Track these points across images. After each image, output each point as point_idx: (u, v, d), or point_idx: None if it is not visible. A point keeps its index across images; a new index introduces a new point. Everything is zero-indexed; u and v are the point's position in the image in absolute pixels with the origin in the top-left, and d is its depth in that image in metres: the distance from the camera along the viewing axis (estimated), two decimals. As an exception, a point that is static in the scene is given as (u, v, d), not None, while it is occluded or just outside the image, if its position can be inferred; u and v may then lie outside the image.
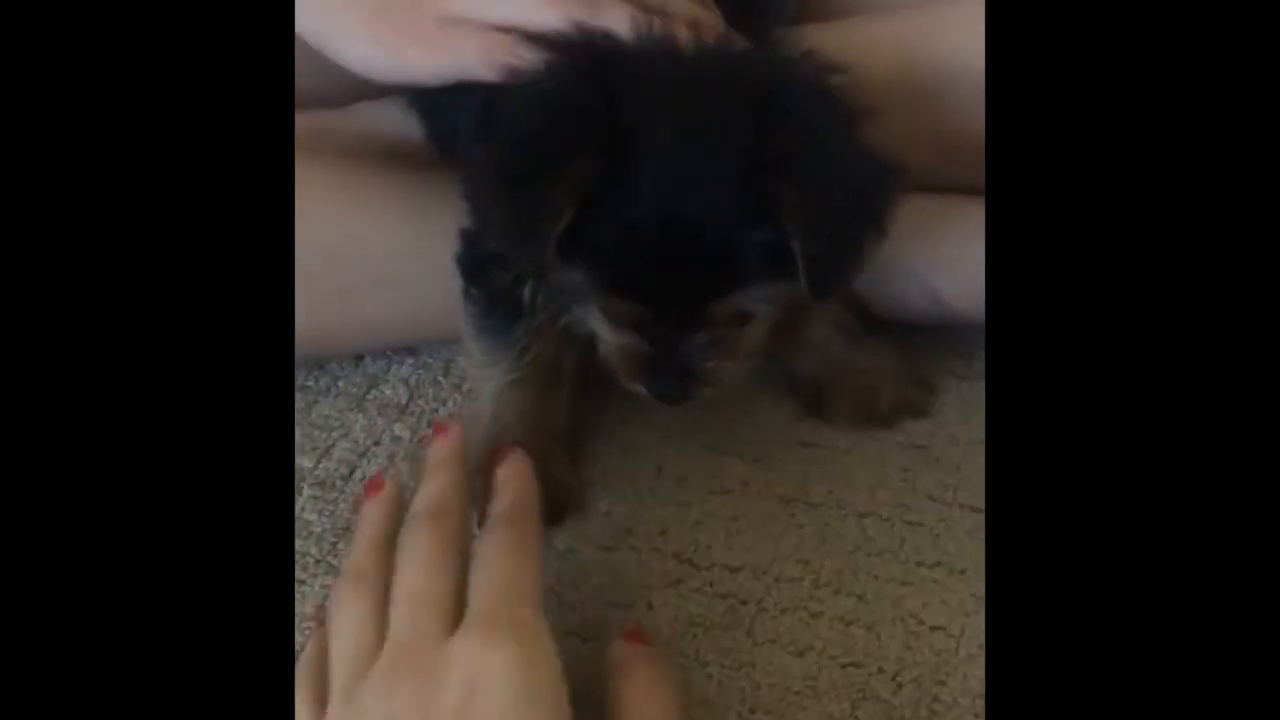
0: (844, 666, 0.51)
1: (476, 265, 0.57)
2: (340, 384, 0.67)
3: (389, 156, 0.69)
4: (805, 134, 0.47)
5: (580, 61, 0.49)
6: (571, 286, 0.50)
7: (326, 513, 0.60)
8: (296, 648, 0.52)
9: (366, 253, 0.64)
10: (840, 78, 0.50)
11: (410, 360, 0.68)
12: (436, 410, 0.65)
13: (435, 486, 0.50)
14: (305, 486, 0.61)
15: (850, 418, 0.62)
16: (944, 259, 0.63)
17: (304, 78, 0.69)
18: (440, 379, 0.67)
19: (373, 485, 0.53)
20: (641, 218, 0.46)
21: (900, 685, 0.50)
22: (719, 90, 0.47)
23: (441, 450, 0.52)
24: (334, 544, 0.58)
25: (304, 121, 0.68)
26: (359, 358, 0.69)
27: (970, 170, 0.60)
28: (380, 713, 0.42)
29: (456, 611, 0.44)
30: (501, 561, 0.46)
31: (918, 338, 0.65)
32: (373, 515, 0.51)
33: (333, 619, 0.46)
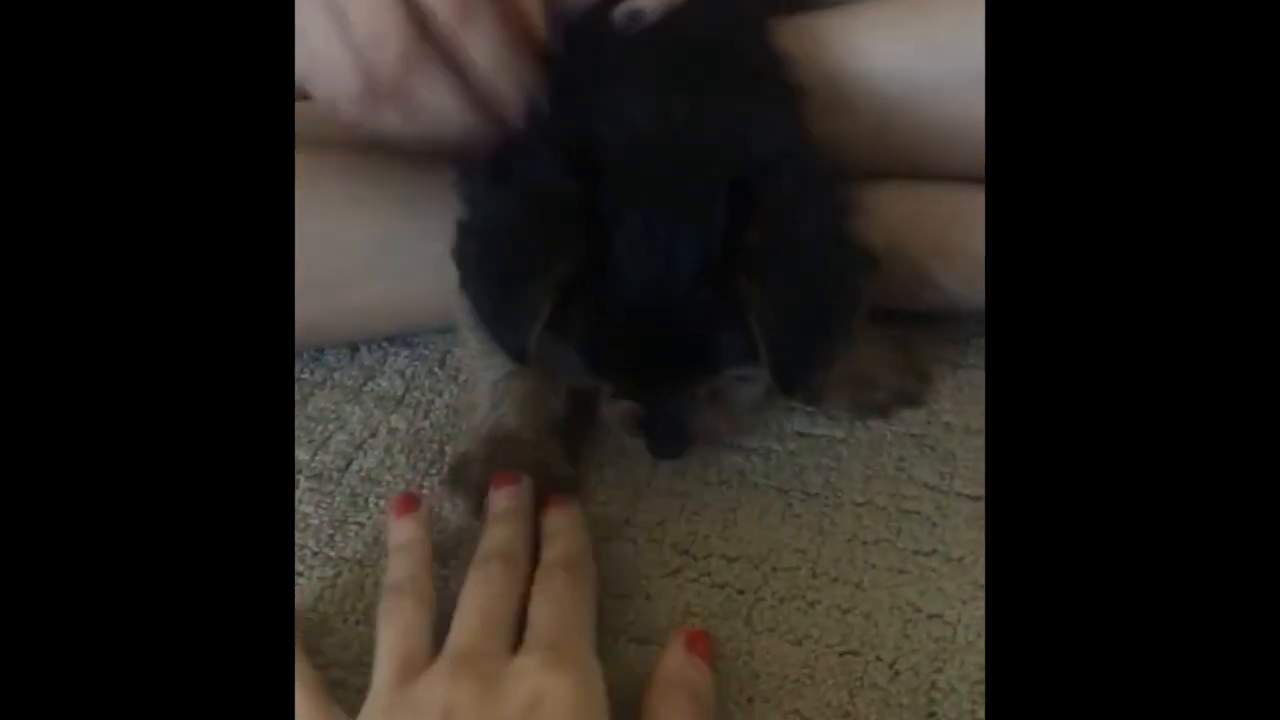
0: (841, 655, 0.51)
1: (476, 255, 0.57)
2: (336, 376, 0.67)
3: (382, 148, 0.69)
4: (777, 230, 0.48)
5: (562, 154, 0.50)
6: (559, 363, 0.51)
7: (324, 505, 0.60)
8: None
9: (355, 241, 0.64)
10: (826, 163, 0.52)
11: (406, 352, 0.68)
12: (433, 402, 0.65)
13: (505, 533, 0.53)
14: (302, 479, 0.61)
15: (846, 407, 0.63)
16: (942, 248, 0.64)
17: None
18: (436, 370, 0.67)
19: (405, 503, 0.55)
20: (617, 309, 0.48)
21: (898, 673, 0.50)
22: (693, 181, 0.48)
23: (510, 502, 0.54)
24: (331, 536, 0.58)
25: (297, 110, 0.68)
26: (354, 349, 0.69)
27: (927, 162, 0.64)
28: (438, 700, 0.43)
29: (515, 641, 0.47)
30: (562, 600, 0.49)
31: (912, 326, 0.65)
32: (412, 532, 0.53)
33: (381, 629, 0.48)
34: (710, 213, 0.47)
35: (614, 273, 0.47)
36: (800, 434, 0.62)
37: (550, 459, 0.58)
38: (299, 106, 0.69)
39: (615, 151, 0.49)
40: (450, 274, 0.59)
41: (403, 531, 0.54)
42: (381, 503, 0.60)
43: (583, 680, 0.45)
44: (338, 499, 0.60)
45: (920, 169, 0.65)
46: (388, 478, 0.61)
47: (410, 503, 0.55)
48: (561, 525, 0.54)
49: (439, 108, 0.55)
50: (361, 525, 0.58)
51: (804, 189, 0.49)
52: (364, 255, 0.64)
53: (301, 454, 0.62)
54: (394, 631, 0.48)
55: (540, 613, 0.48)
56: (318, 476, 0.61)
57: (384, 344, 0.69)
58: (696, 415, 0.53)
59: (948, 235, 0.64)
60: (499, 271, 0.50)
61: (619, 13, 0.56)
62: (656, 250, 0.47)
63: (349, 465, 0.62)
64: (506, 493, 0.55)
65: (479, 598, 0.49)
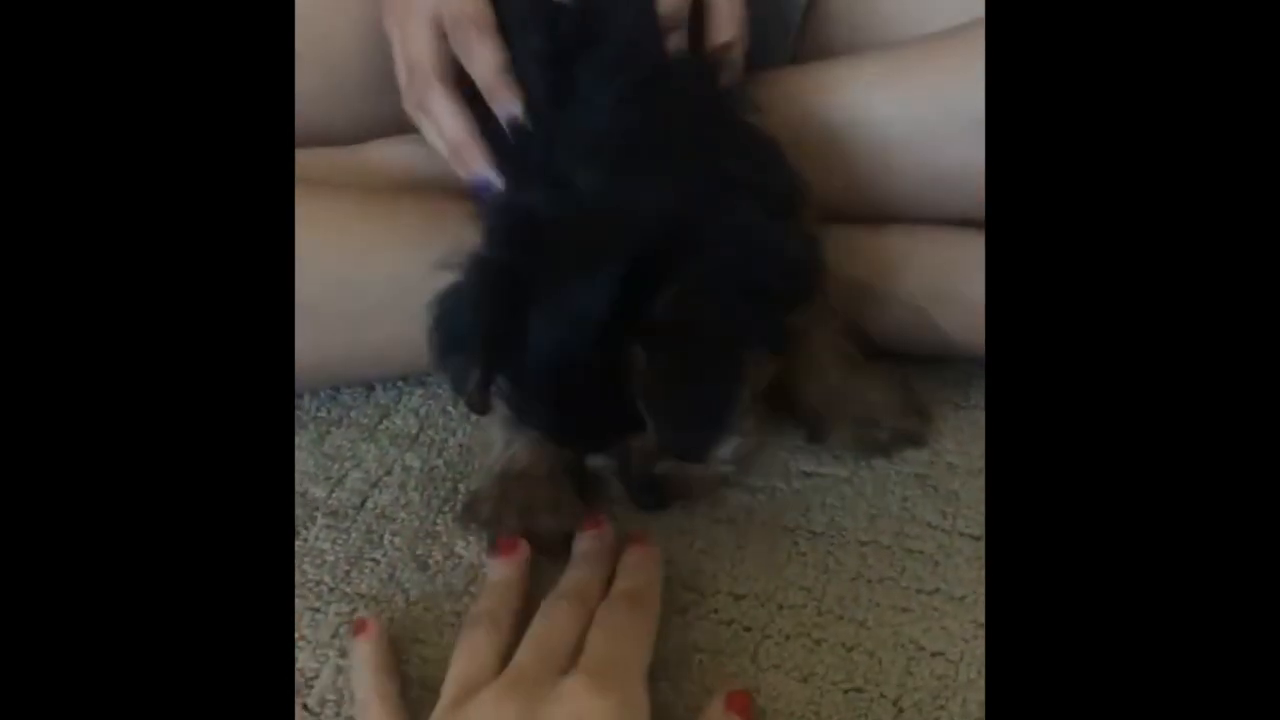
0: (846, 692, 0.52)
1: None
2: (353, 414, 0.69)
3: (397, 191, 0.71)
4: (680, 302, 0.49)
5: (505, 225, 0.54)
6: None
7: (340, 541, 0.61)
8: (309, 673, 0.54)
9: (370, 281, 0.66)
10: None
11: (420, 390, 0.70)
12: (446, 440, 0.67)
13: (583, 574, 0.55)
14: (319, 516, 0.62)
15: (850, 446, 0.64)
16: (941, 293, 0.65)
17: (314, 115, 0.72)
18: (450, 409, 0.69)
19: (509, 545, 0.57)
20: (535, 368, 0.51)
21: (901, 710, 0.51)
22: (602, 252, 0.50)
23: (593, 544, 0.57)
24: (347, 572, 0.59)
25: (312, 158, 0.70)
26: (370, 388, 0.70)
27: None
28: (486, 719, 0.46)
29: (571, 666, 0.48)
30: (620, 630, 0.51)
31: (914, 367, 0.67)
32: (507, 572, 0.56)
33: (454, 657, 0.51)
34: (610, 282, 0.49)
35: (532, 335, 0.50)
36: (806, 473, 0.63)
37: (561, 496, 0.60)
38: (319, 154, 0.72)
39: (550, 223, 0.52)
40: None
41: (499, 570, 0.56)
42: (397, 539, 0.61)
43: (625, 703, 0.47)
44: (353, 535, 0.61)
45: (919, 213, 0.67)
46: (402, 515, 0.62)
47: (514, 546, 0.57)
48: (637, 561, 0.56)
49: (434, 140, 0.62)
50: (376, 562, 0.60)
51: (720, 263, 0.50)
52: (380, 295, 0.66)
53: (318, 491, 0.64)
54: (462, 659, 0.50)
55: (595, 640, 0.50)
56: (334, 514, 0.63)
57: (399, 383, 0.70)
58: (661, 469, 0.55)
59: (946, 280, 0.65)
60: (438, 336, 0.55)
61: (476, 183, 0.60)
62: (561, 316, 0.50)
63: (364, 502, 0.63)
64: (591, 535, 0.57)
65: (542, 629, 0.51)
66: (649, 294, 0.49)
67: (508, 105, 0.58)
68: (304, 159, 0.68)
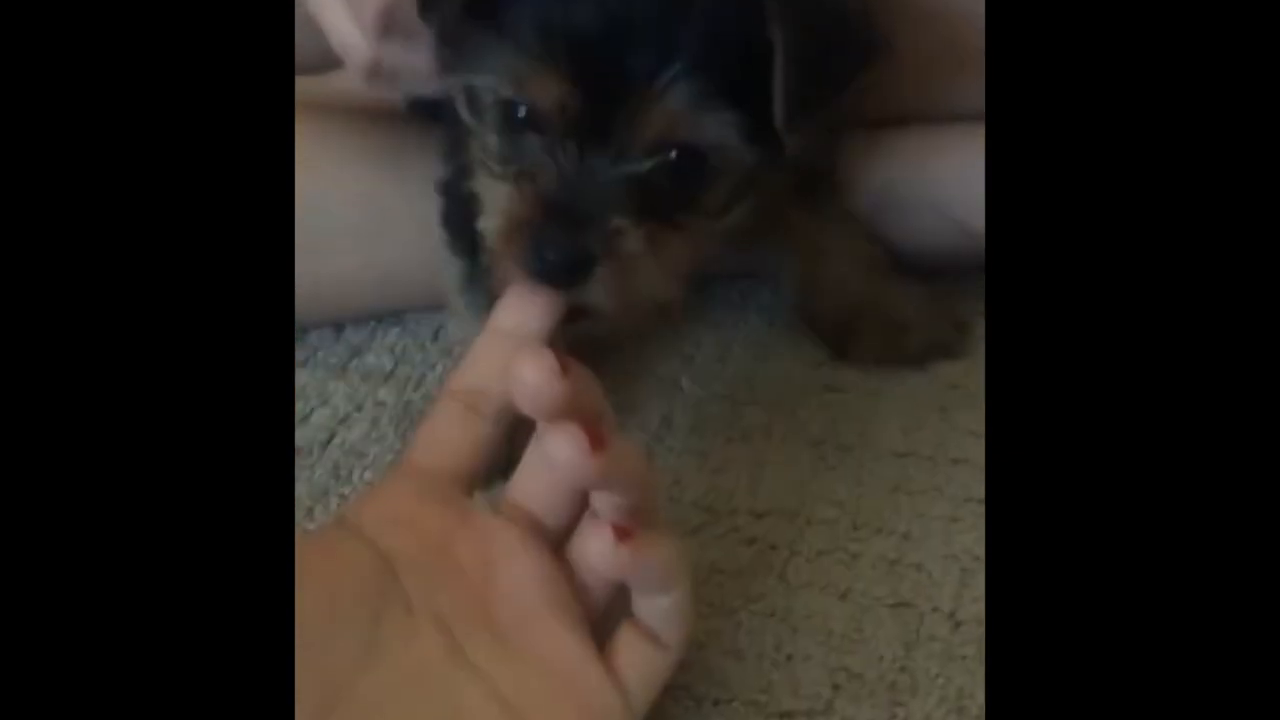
0: (892, 607, 0.45)
1: (457, 215, 0.53)
2: (319, 355, 0.61)
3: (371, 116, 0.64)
4: None
5: None
6: (483, 64, 0.42)
7: (303, 479, 0.54)
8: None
9: (337, 201, 0.59)
10: None
11: (396, 329, 0.63)
12: (424, 375, 0.60)
13: None
14: (279, 454, 0.55)
15: (877, 359, 0.57)
16: (963, 185, 0.58)
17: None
18: (428, 344, 0.61)
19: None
20: None
21: (959, 623, 0.44)
22: None
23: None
24: (310, 509, 0.52)
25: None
26: (339, 329, 0.63)
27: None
28: None
29: None
30: None
31: (949, 283, 0.60)
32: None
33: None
34: None
35: None
36: (828, 388, 0.56)
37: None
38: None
39: None
40: (434, 237, 0.54)
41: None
42: (367, 474, 0.54)
43: None
44: (318, 473, 0.54)
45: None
46: (375, 450, 0.55)
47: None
48: None
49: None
50: (344, 496, 0.52)
51: None
52: (348, 217, 0.60)
53: (279, 431, 0.56)
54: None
55: None
56: (296, 451, 0.55)
57: (372, 323, 0.63)
58: (605, 247, 0.40)
59: (980, 181, 0.58)
60: None
61: None
62: None
63: (331, 439, 0.56)
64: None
65: None
66: None
67: None
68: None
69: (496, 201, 0.43)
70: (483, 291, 0.54)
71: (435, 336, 0.62)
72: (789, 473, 0.51)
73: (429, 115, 0.59)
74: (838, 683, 0.42)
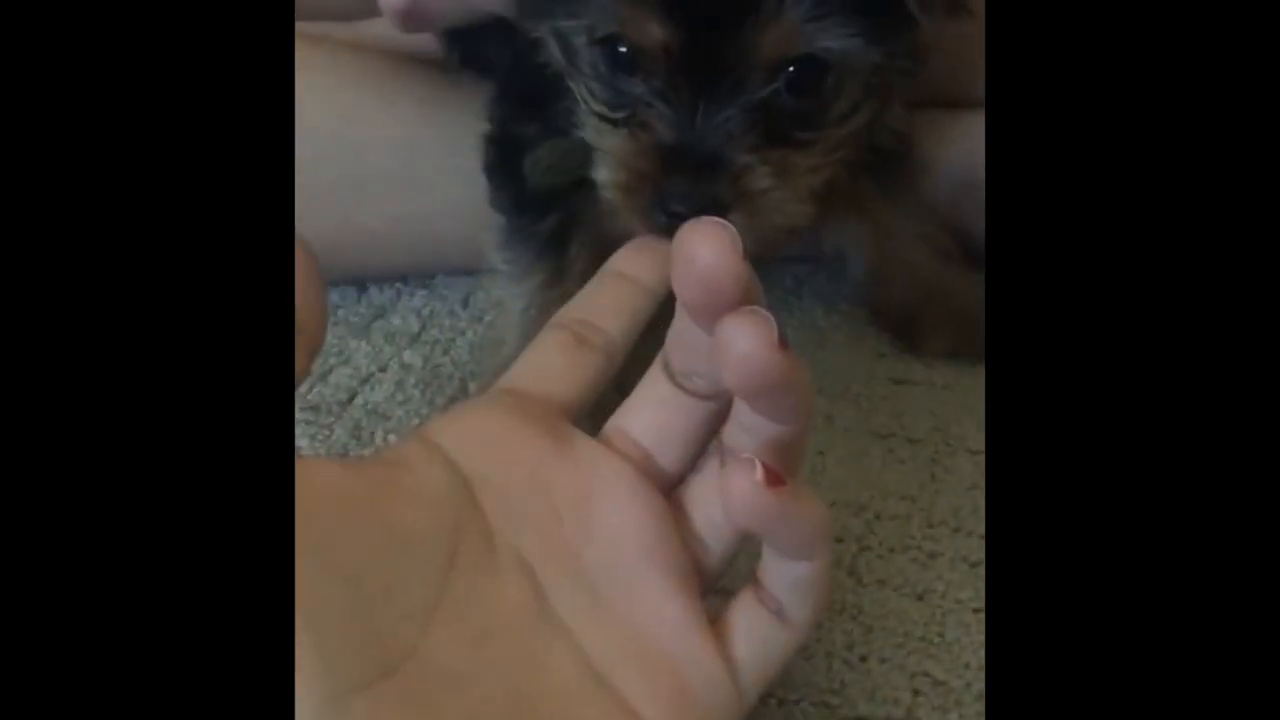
0: (976, 611, 0.40)
1: (503, 165, 0.49)
2: (340, 313, 0.57)
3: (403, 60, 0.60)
4: None
5: None
6: (574, 7, 0.38)
7: (320, 438, 0.49)
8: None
9: (368, 143, 0.55)
10: None
11: (423, 292, 0.58)
12: (453, 340, 0.55)
13: None
14: (296, 410, 0.50)
15: (946, 352, 0.53)
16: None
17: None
18: (458, 309, 0.57)
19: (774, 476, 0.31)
20: None
21: (1051, 633, 0.39)
22: None
23: None
24: (328, 469, 0.47)
25: (306, 29, 0.60)
26: (363, 288, 0.59)
27: None
28: None
29: None
30: None
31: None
32: None
33: None
34: None
35: None
36: (894, 380, 0.52)
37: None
38: (313, 26, 0.62)
39: None
40: (475, 191, 0.50)
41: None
42: (391, 437, 0.49)
43: None
44: (337, 432, 0.49)
45: None
46: (399, 412, 0.50)
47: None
48: None
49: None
50: (364, 459, 0.48)
51: None
52: (377, 161, 0.55)
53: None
54: None
55: None
56: (314, 409, 0.51)
57: (397, 284, 0.59)
58: (733, 191, 0.37)
59: None
60: None
61: None
62: None
63: (351, 399, 0.51)
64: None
65: None
66: None
67: None
68: (298, 29, 0.57)
69: (612, 152, 0.39)
70: (527, 250, 0.50)
71: (465, 303, 0.57)
72: (854, 464, 0.47)
73: (477, 68, 0.56)
74: (919, 688, 0.38)
